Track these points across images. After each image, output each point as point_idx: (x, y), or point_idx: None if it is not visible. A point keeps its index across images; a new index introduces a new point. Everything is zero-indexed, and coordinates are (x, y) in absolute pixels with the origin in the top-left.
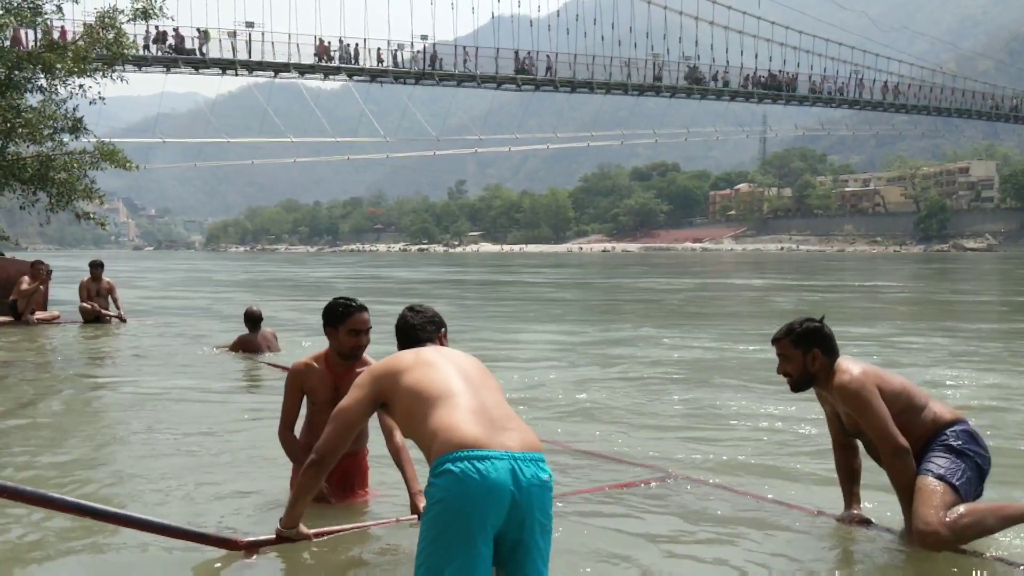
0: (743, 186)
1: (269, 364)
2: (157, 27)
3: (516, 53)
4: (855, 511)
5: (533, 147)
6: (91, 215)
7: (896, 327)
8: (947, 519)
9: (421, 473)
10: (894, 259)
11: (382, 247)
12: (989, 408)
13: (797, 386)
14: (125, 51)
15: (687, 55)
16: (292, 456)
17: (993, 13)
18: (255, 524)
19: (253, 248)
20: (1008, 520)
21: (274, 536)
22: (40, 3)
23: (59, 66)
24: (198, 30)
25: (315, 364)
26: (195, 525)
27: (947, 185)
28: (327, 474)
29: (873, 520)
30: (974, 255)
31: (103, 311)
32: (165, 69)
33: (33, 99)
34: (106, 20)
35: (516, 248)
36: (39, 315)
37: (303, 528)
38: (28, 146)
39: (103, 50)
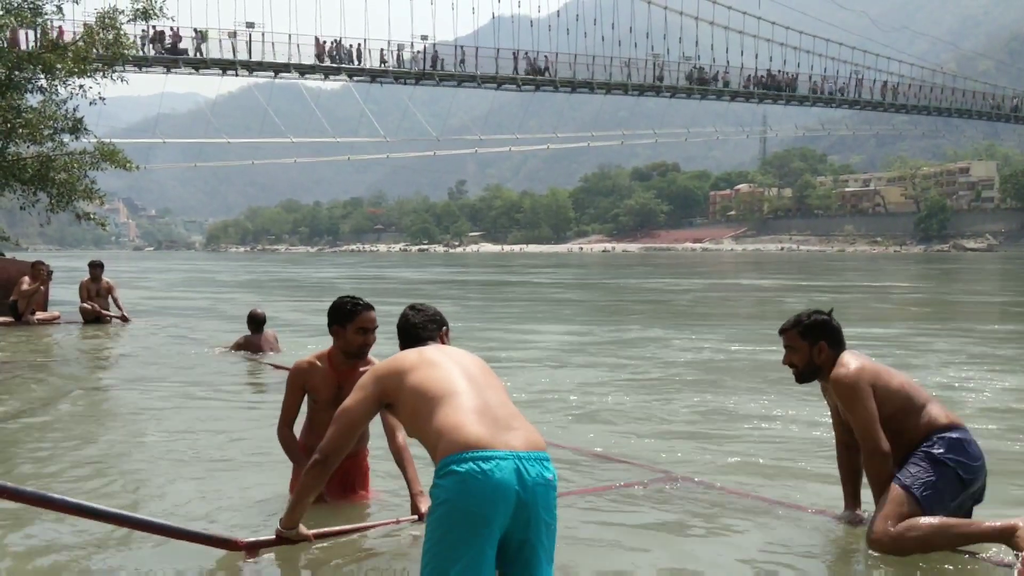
0: (743, 186)
1: (271, 365)
2: (155, 27)
3: (515, 54)
4: (856, 511)
5: (533, 147)
6: (91, 215)
7: (911, 328)
8: (893, 530)
9: (424, 472)
10: (896, 259)
11: (382, 247)
12: (1008, 411)
13: (802, 377)
14: (125, 51)
15: (687, 55)
16: (290, 455)
17: (994, 13)
18: (255, 524)
19: (253, 248)
20: (959, 539)
21: (274, 537)
22: (40, 3)
23: (59, 66)
24: (195, 30)
25: (318, 363)
26: (195, 525)
27: (947, 185)
28: (330, 474)
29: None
30: (974, 255)
31: (103, 311)
32: (165, 69)
33: (33, 99)
34: (106, 20)
35: (516, 248)
36: (39, 315)
37: (303, 529)
38: (28, 146)
39: (103, 50)
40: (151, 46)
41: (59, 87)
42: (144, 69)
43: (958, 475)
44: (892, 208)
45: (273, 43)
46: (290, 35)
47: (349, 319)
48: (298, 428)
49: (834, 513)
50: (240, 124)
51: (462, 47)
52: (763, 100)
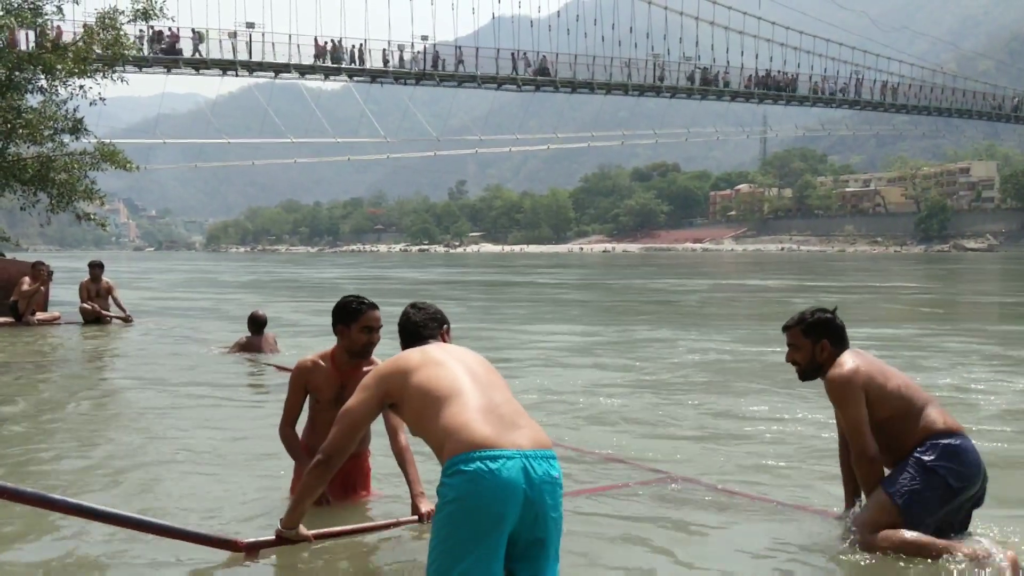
0: (743, 186)
1: (272, 365)
2: (152, 27)
3: (513, 54)
4: (856, 511)
5: (534, 148)
6: (92, 216)
7: (923, 329)
8: (868, 539)
9: (424, 471)
10: (899, 260)
11: (383, 247)
12: (1022, 413)
13: (804, 375)
14: (125, 51)
15: (688, 55)
16: (292, 453)
17: (994, 13)
18: (255, 525)
19: (254, 249)
20: (923, 554)
21: (274, 537)
22: (40, 4)
23: (59, 67)
24: (193, 30)
25: (321, 362)
26: (195, 526)
27: (948, 185)
28: (333, 474)
29: None
30: (975, 255)
31: (103, 312)
32: (165, 70)
33: (34, 100)
34: (106, 21)
35: (517, 248)
36: (40, 316)
37: (303, 529)
38: (29, 147)
39: (104, 50)
40: (149, 46)
41: (59, 87)
42: (144, 69)
43: (947, 483)
44: (892, 208)
45: (273, 43)
46: (290, 35)
47: (354, 318)
48: (300, 428)
49: (834, 513)
50: (240, 124)
51: (459, 47)
52: (763, 100)
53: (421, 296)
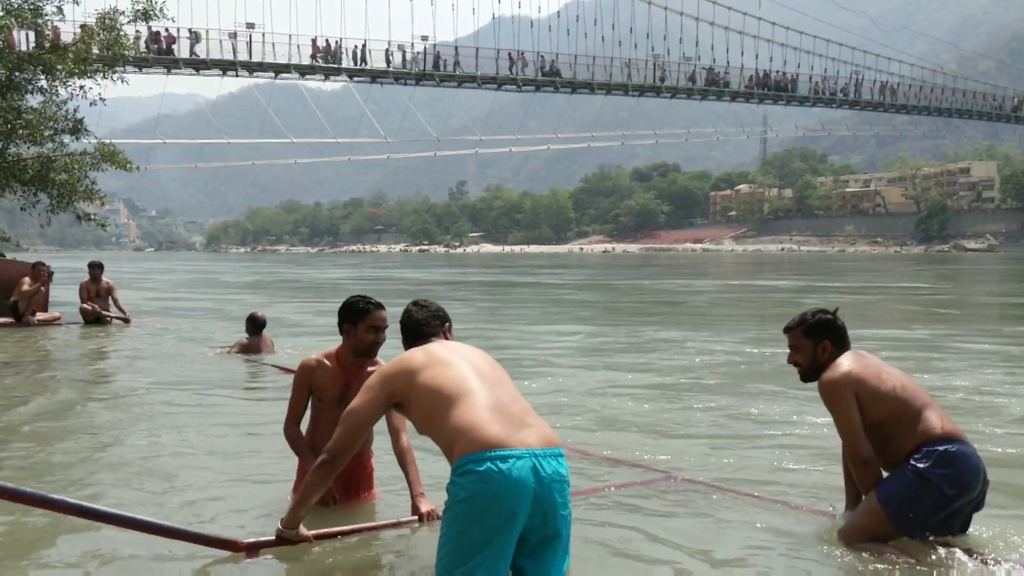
0: (743, 187)
1: (274, 366)
2: (150, 27)
3: (510, 55)
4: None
5: (534, 148)
6: (92, 216)
7: (943, 330)
8: (856, 546)
9: (428, 469)
10: (901, 260)
11: (383, 248)
12: None
13: (806, 376)
14: (125, 52)
15: (688, 56)
16: (297, 451)
17: (994, 13)
18: (256, 525)
19: (254, 249)
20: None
21: (275, 538)
22: (40, 4)
23: (59, 67)
24: (189, 31)
25: (326, 361)
26: (195, 526)
27: (948, 185)
28: (336, 474)
29: None
30: (975, 255)
31: (104, 312)
32: (165, 70)
33: (34, 100)
34: (106, 21)
35: (517, 249)
36: (40, 316)
37: (303, 529)
38: (29, 147)
39: (104, 51)
40: (146, 46)
41: (59, 88)
42: (144, 70)
43: (942, 491)
44: (892, 208)
45: (273, 44)
46: (290, 35)
47: (360, 317)
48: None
49: (834, 513)
50: (240, 125)
51: (456, 47)
52: (763, 100)
53: (426, 297)
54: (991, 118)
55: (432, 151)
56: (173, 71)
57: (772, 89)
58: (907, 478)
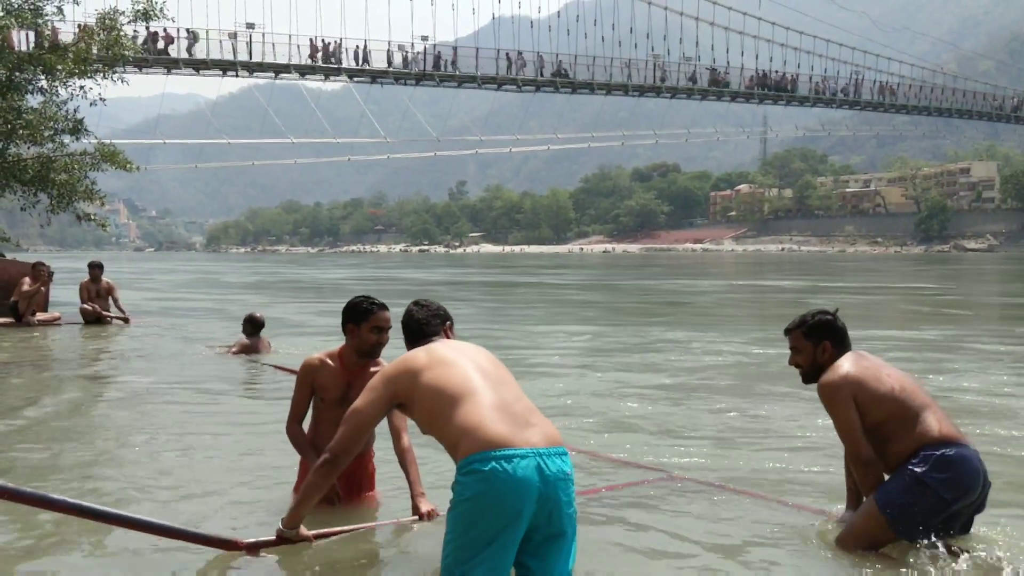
0: (744, 187)
1: (274, 366)
2: (147, 27)
3: (507, 55)
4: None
5: (534, 148)
6: (92, 216)
7: (956, 331)
8: (847, 547)
9: (430, 471)
10: (903, 260)
11: (383, 248)
12: None
13: (807, 377)
14: (125, 52)
15: (688, 56)
16: (299, 449)
17: (994, 13)
18: (256, 525)
19: (254, 249)
20: None
21: (275, 537)
22: (41, 4)
23: (60, 67)
24: (187, 31)
25: (329, 361)
26: (196, 526)
27: (948, 186)
28: (339, 474)
29: None
30: (975, 255)
31: (104, 312)
32: (165, 70)
33: (34, 100)
34: (106, 22)
35: (517, 249)
36: (40, 316)
37: (303, 529)
38: (29, 147)
39: (104, 51)
40: (143, 46)
41: (60, 88)
42: (144, 70)
43: (940, 495)
44: (892, 208)
45: (274, 44)
46: (290, 36)
47: (364, 318)
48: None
49: (835, 514)
50: (240, 125)
51: (454, 48)
52: (763, 101)
53: (428, 297)
54: (991, 118)
55: (432, 151)
56: (173, 71)
57: (772, 89)
58: (905, 483)
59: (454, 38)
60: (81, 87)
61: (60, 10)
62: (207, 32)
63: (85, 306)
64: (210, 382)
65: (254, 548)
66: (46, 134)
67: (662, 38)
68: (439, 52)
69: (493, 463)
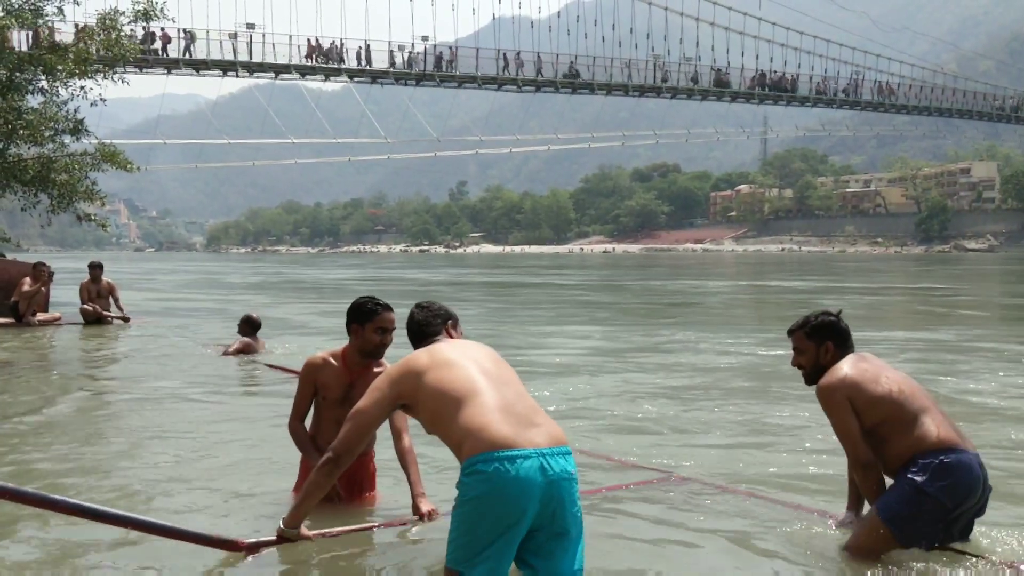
0: (744, 187)
1: (272, 366)
2: (145, 28)
3: (505, 55)
4: (857, 513)
5: (534, 148)
6: (92, 216)
7: (968, 332)
8: (854, 560)
9: (434, 472)
10: (907, 260)
11: (383, 248)
12: None
13: (810, 378)
14: (125, 53)
15: (688, 56)
16: (301, 447)
17: (994, 14)
18: (256, 525)
19: (254, 249)
20: None
21: (275, 537)
22: (41, 5)
23: (60, 68)
24: (184, 31)
25: (332, 360)
26: (196, 526)
27: (948, 186)
28: (341, 473)
29: None
30: (976, 256)
31: (104, 312)
32: (166, 71)
33: (34, 101)
34: (107, 22)
35: (517, 249)
36: (40, 317)
37: (304, 529)
38: (29, 148)
39: (105, 51)
40: (141, 45)
41: (60, 88)
42: (144, 70)
43: (941, 503)
44: (893, 209)
45: (274, 44)
46: (290, 36)
47: (369, 318)
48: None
49: (836, 515)
50: (241, 125)
51: (451, 47)
52: (764, 101)
53: (435, 298)
54: (991, 118)
55: (432, 151)
56: (173, 71)
57: (772, 89)
58: (906, 493)
59: (454, 38)
60: (81, 87)
61: (60, 10)
62: (207, 32)
63: (85, 306)
64: (209, 382)
65: (254, 548)
66: (46, 134)
67: (662, 38)
68: (440, 52)
69: (496, 464)
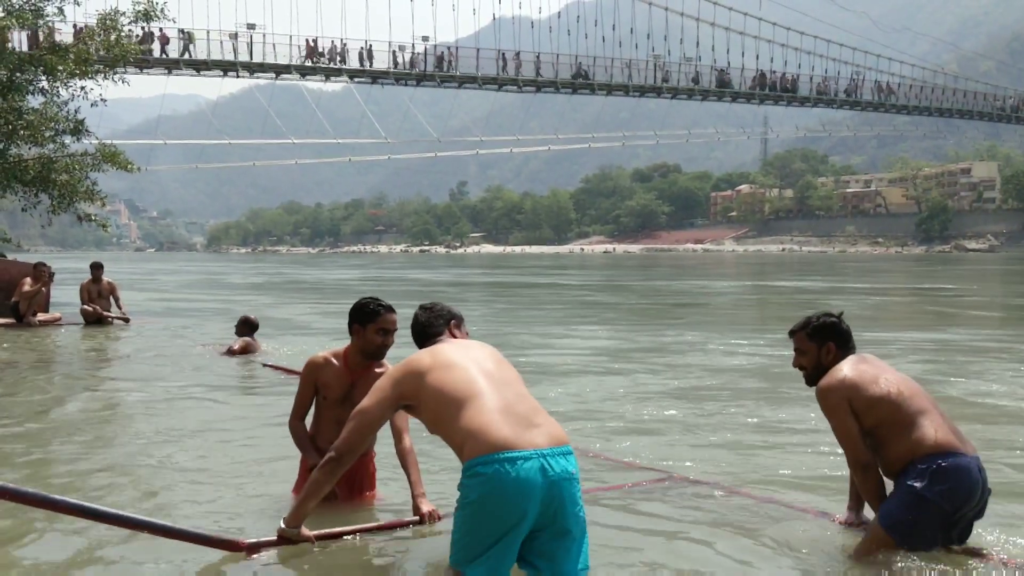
0: (744, 187)
1: (272, 366)
2: (143, 28)
3: (503, 55)
4: (857, 513)
5: (534, 148)
6: (93, 217)
7: (993, 332)
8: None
9: (436, 472)
10: (909, 260)
11: (383, 248)
12: None
13: (811, 380)
14: (127, 53)
15: (688, 56)
16: (300, 445)
17: (994, 14)
18: (257, 525)
19: (255, 250)
20: None
21: (276, 538)
22: (42, 5)
23: (60, 68)
24: (181, 31)
25: (333, 360)
26: (196, 526)
27: (949, 186)
28: (342, 472)
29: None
30: (976, 256)
31: (105, 313)
32: (166, 71)
33: (35, 101)
34: (107, 22)
35: (518, 249)
36: (41, 317)
37: (305, 530)
38: (30, 148)
39: (106, 52)
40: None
41: (60, 89)
42: (145, 70)
43: (942, 508)
44: (893, 209)
45: (274, 44)
46: (291, 36)
47: (371, 319)
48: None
49: (836, 516)
50: (241, 125)
51: (449, 48)
52: (764, 101)
53: (438, 298)
54: (992, 118)
55: (433, 152)
56: (174, 72)
57: (773, 89)
58: (906, 501)
59: (455, 39)
60: (82, 88)
61: (61, 11)
62: (208, 32)
63: (86, 307)
64: (210, 382)
65: (255, 548)
66: (47, 135)
67: (663, 39)
68: (441, 53)
69: (496, 466)
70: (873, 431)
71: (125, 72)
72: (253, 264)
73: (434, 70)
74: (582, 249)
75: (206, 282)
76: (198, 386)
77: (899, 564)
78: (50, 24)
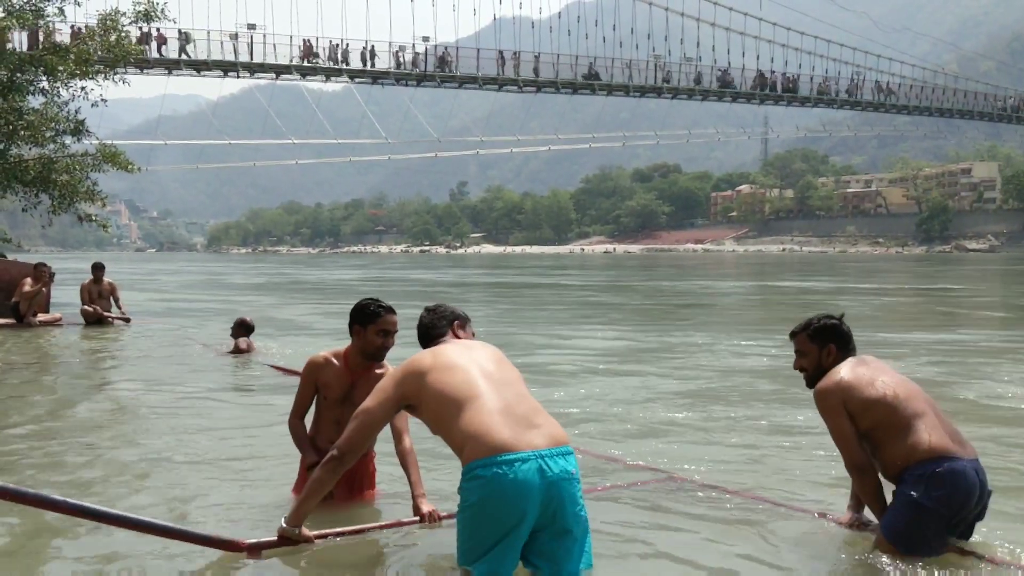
0: (744, 187)
1: (274, 366)
2: (141, 28)
3: (502, 55)
4: (857, 514)
5: (535, 148)
6: (93, 217)
7: (997, 333)
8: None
9: (436, 472)
10: (909, 260)
11: (384, 249)
12: None
13: (812, 381)
14: (127, 53)
15: (689, 56)
16: (299, 444)
17: (995, 14)
18: (257, 525)
19: (255, 250)
20: None
21: (276, 538)
22: (42, 6)
23: (61, 68)
24: (179, 31)
25: (334, 360)
26: (196, 526)
27: (949, 186)
28: (344, 472)
29: (875, 523)
30: (976, 256)
31: (105, 313)
32: (166, 71)
33: (35, 101)
34: (108, 22)
35: (518, 249)
36: (41, 317)
37: (305, 530)
38: (30, 148)
39: (106, 52)
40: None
41: (61, 89)
42: (145, 71)
43: (941, 514)
44: (894, 209)
45: (275, 44)
46: (291, 36)
47: (371, 320)
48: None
49: (836, 516)
50: (241, 125)
51: (447, 48)
52: (764, 101)
53: (442, 299)
54: (992, 119)
55: (433, 152)
56: (174, 72)
57: (773, 90)
58: (905, 510)
59: (455, 39)
60: (82, 88)
61: (61, 11)
62: (208, 32)
63: (86, 307)
64: (210, 382)
65: (255, 548)
66: (47, 135)
67: (663, 39)
68: (441, 53)
69: (495, 468)
70: (869, 434)
71: (125, 72)
72: (253, 264)
73: (435, 70)
74: (582, 249)
75: (207, 282)
76: (198, 386)
77: (900, 566)
78: (50, 24)
